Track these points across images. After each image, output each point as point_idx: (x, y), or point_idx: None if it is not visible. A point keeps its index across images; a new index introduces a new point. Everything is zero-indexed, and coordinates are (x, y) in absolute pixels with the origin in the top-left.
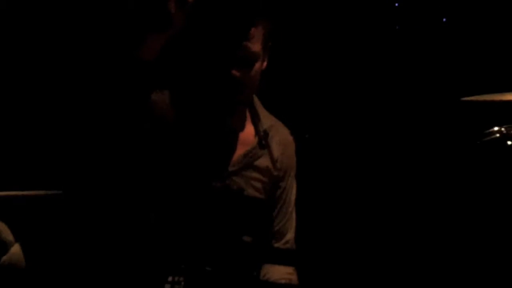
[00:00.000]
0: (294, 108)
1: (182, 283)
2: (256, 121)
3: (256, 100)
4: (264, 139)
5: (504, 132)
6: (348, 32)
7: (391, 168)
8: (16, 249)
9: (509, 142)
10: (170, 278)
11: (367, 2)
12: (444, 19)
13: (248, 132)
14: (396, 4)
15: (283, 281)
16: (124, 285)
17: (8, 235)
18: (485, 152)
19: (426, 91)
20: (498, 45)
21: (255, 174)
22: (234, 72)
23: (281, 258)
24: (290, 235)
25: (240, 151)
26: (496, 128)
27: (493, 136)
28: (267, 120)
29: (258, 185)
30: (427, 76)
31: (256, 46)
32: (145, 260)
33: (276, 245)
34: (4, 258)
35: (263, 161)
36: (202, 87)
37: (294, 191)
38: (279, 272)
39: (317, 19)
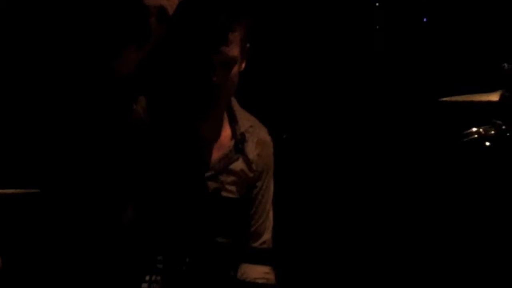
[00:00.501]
0: (272, 108)
1: (160, 282)
2: (233, 124)
3: (234, 101)
4: (241, 143)
5: (483, 133)
6: (326, 32)
7: (370, 168)
8: None
9: (487, 143)
10: (147, 277)
11: (346, 1)
12: (424, 19)
13: (225, 135)
14: (377, 4)
15: (260, 281)
16: (102, 285)
17: None
18: (464, 153)
19: (405, 92)
20: (477, 46)
21: (230, 178)
22: (212, 77)
23: (258, 257)
24: (267, 235)
25: (216, 155)
26: (474, 129)
27: (471, 137)
28: (245, 121)
29: (233, 188)
30: (406, 76)
31: (234, 50)
32: (122, 260)
33: (253, 245)
34: None
35: (238, 165)
36: (180, 92)
37: (271, 191)
38: (256, 272)
39: (295, 20)
